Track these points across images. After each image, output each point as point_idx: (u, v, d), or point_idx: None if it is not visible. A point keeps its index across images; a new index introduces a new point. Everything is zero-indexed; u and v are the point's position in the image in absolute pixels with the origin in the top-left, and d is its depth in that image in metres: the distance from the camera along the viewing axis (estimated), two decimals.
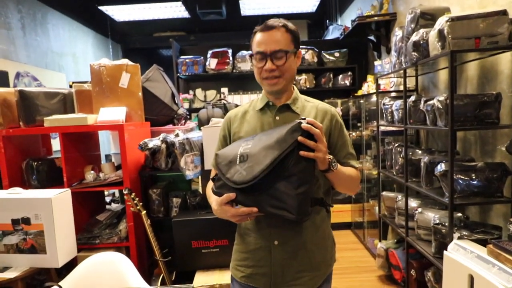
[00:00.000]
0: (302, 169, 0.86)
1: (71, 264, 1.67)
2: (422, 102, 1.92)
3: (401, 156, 2.30)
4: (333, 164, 0.91)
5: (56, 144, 2.13)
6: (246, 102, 1.16)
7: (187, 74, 3.94)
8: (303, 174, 0.86)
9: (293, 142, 0.85)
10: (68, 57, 4.24)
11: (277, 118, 1.05)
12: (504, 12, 1.56)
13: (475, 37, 1.59)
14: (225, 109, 2.76)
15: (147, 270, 2.07)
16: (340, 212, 3.67)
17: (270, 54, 0.98)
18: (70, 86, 2.31)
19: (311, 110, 1.06)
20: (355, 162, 1.07)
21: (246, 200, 0.91)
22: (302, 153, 0.84)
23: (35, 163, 1.95)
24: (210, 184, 1.08)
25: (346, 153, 1.06)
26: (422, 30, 1.92)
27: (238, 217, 0.92)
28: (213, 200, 0.98)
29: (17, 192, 1.63)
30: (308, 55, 3.89)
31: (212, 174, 1.12)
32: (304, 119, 0.87)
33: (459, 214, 1.82)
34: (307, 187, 0.86)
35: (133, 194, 1.80)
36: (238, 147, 0.94)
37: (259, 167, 0.85)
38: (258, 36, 1.01)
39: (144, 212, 1.80)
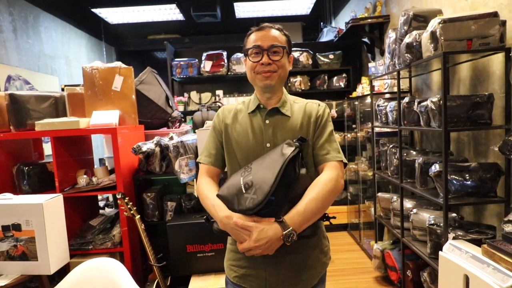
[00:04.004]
0: (304, 189, 0.93)
1: (64, 271, 1.65)
2: (416, 103, 1.93)
3: (396, 157, 2.30)
4: (288, 240, 0.87)
5: (48, 148, 2.10)
6: (239, 102, 1.14)
7: (181, 76, 3.92)
8: (304, 187, 0.93)
9: (291, 152, 0.91)
10: (61, 60, 4.19)
11: (267, 121, 1.05)
12: (495, 14, 1.58)
13: (467, 38, 1.60)
14: None
15: (141, 276, 2.05)
16: (336, 214, 3.67)
17: (267, 49, 1.00)
18: (62, 90, 2.28)
19: (300, 110, 1.07)
20: (334, 155, 1.00)
21: None
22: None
23: (26, 168, 1.92)
24: (203, 183, 1.05)
25: (321, 145, 1.02)
26: (415, 32, 1.93)
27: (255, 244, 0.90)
28: (223, 208, 0.95)
29: (7, 198, 1.60)
30: (302, 57, 3.90)
31: (204, 170, 1.09)
32: (303, 140, 0.97)
33: (454, 215, 1.83)
34: None
35: (127, 198, 1.78)
36: (238, 179, 0.95)
37: (268, 184, 0.88)
38: (254, 34, 1.03)
39: (138, 216, 1.78)
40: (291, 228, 0.88)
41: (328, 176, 0.96)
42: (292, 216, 0.89)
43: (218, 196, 0.98)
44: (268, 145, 1.02)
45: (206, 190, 1.03)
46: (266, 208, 0.88)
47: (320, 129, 1.04)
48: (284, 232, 0.87)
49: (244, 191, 0.91)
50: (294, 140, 0.97)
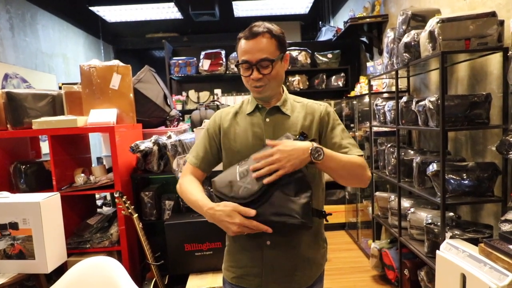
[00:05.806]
0: (298, 177, 0.91)
1: (61, 270, 1.64)
2: (414, 102, 1.94)
3: (394, 156, 2.31)
4: (315, 155, 0.88)
5: (45, 146, 2.09)
6: (237, 103, 1.14)
7: (180, 75, 3.91)
8: (300, 181, 0.91)
9: None
10: (58, 58, 4.17)
11: (267, 120, 1.04)
12: (493, 14, 1.59)
13: (465, 38, 1.61)
14: None
15: (139, 274, 2.04)
16: (334, 213, 3.68)
17: (255, 63, 0.96)
18: (60, 88, 2.27)
19: (301, 110, 1.05)
20: (356, 151, 1.02)
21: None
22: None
23: (23, 166, 1.91)
24: (187, 180, 1.05)
25: (339, 144, 1.02)
26: (413, 32, 1.93)
27: (242, 228, 0.89)
28: (206, 201, 0.95)
29: (4, 196, 1.59)
30: (301, 56, 3.90)
31: (189, 170, 1.08)
32: (305, 135, 0.95)
33: (451, 214, 1.84)
34: (307, 192, 0.90)
35: (125, 197, 1.77)
36: (234, 169, 0.95)
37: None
38: (243, 44, 0.98)
39: (135, 215, 1.77)
40: (322, 147, 0.89)
41: (362, 161, 0.98)
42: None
43: (212, 181, 0.97)
44: None
45: (190, 187, 1.02)
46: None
47: (330, 129, 1.04)
48: (314, 145, 0.88)
49: (238, 179, 0.91)
50: (297, 136, 0.96)
